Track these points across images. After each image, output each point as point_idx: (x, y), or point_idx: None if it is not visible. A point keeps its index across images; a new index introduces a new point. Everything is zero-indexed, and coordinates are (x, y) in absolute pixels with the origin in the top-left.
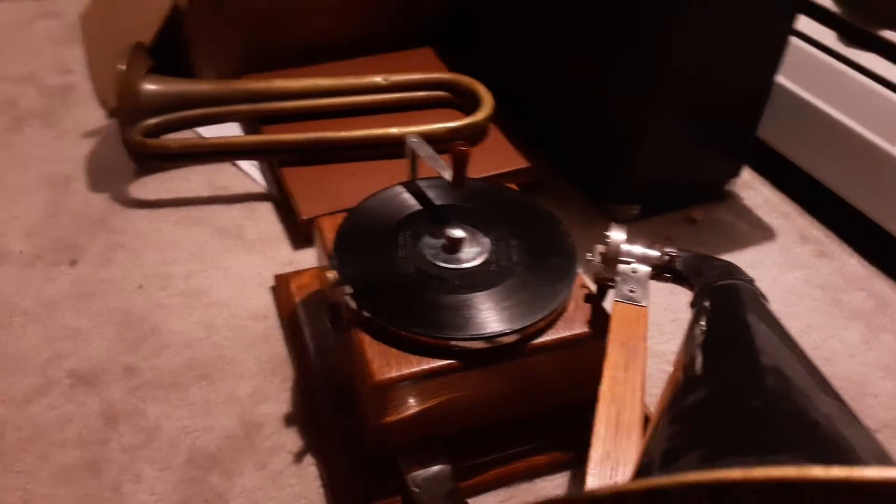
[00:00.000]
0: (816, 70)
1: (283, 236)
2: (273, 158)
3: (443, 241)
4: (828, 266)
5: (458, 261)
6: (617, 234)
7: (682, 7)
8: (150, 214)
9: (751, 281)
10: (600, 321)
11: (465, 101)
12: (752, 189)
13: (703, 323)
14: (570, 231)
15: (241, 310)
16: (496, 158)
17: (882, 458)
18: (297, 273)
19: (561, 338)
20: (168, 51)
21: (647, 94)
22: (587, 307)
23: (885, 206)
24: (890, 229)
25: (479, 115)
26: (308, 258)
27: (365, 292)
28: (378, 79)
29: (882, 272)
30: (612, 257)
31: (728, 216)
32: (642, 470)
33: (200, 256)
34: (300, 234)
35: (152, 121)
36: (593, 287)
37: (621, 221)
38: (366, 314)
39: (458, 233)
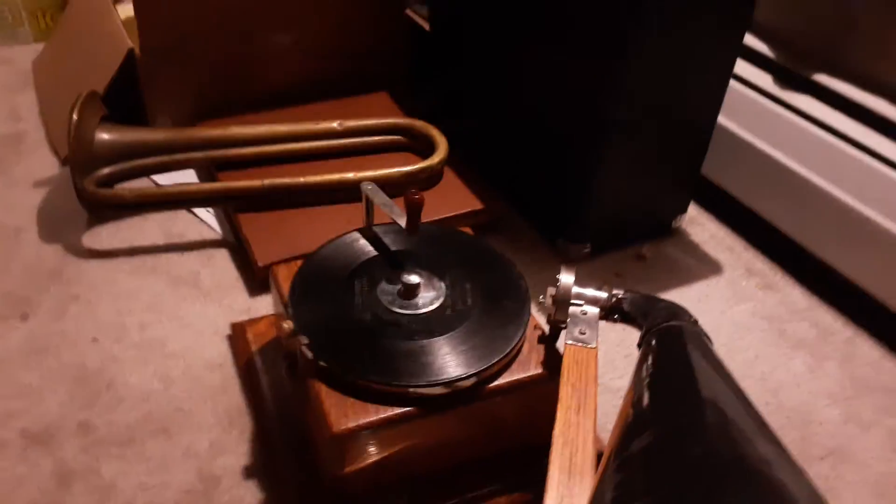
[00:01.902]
0: (754, 111)
1: (240, 283)
2: (229, 205)
3: (399, 286)
4: (772, 298)
5: (415, 306)
6: (566, 277)
7: (637, 44)
8: (105, 265)
9: (695, 322)
10: (554, 362)
11: (419, 145)
12: (699, 225)
13: (649, 363)
14: (523, 273)
15: (197, 360)
16: (451, 201)
17: (815, 500)
18: (253, 321)
19: (516, 380)
20: (122, 98)
21: (598, 133)
22: (541, 348)
23: (821, 239)
24: (827, 261)
25: (434, 160)
26: (265, 305)
27: (321, 341)
28: (334, 124)
29: (823, 302)
30: (563, 300)
31: (676, 252)
32: None
33: (156, 307)
34: (257, 280)
35: (106, 170)
36: (546, 328)
37: (574, 260)
38: (322, 364)
39: (413, 278)
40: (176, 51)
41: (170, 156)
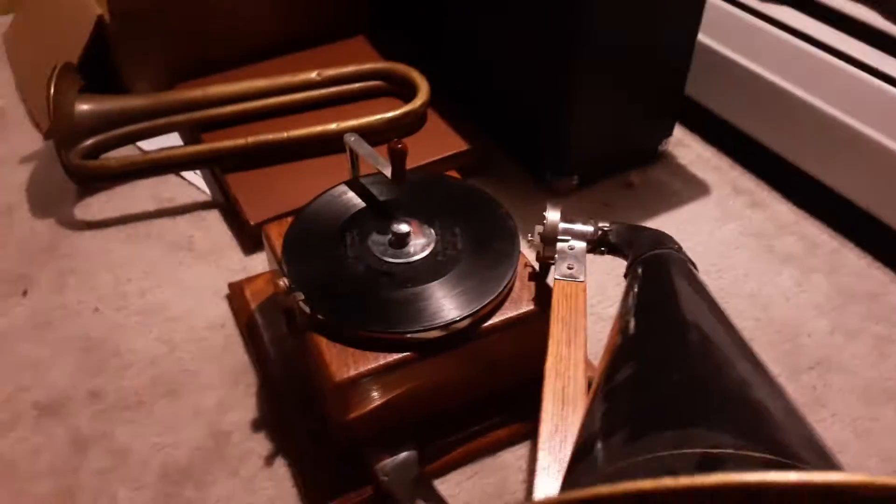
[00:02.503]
0: (734, 26)
1: (234, 243)
2: (216, 166)
3: (389, 236)
4: (760, 214)
5: (406, 255)
6: (552, 214)
7: None
8: (99, 235)
9: (679, 248)
10: (545, 298)
11: (401, 89)
12: (685, 147)
13: (635, 291)
14: (513, 211)
15: (199, 322)
16: (436, 144)
17: (790, 415)
18: (251, 279)
19: (510, 318)
20: (98, 66)
21: (572, 64)
22: (531, 285)
23: (805, 152)
24: (812, 173)
25: (416, 103)
26: (260, 262)
27: (317, 296)
28: (312, 75)
29: (809, 215)
30: (550, 237)
31: (663, 176)
32: (578, 452)
33: (153, 273)
34: (250, 239)
35: (89, 141)
36: (536, 265)
37: (562, 194)
38: (320, 317)
39: (403, 227)
40: (146, 13)
41: (152, 121)
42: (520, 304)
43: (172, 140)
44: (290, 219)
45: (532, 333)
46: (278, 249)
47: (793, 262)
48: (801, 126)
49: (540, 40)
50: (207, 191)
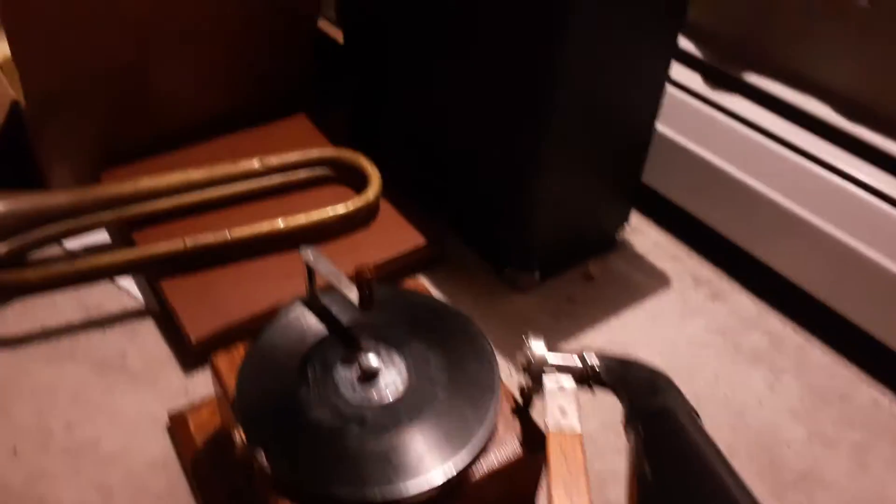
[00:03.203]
0: (686, 114)
1: (172, 360)
2: (150, 273)
3: (356, 371)
4: (722, 308)
5: (377, 393)
6: (538, 347)
7: (563, 61)
8: (16, 355)
9: (678, 394)
10: (533, 437)
11: (349, 176)
12: (642, 233)
13: (647, 458)
14: (476, 310)
15: (137, 461)
16: (392, 239)
17: None
18: (195, 409)
19: (497, 468)
20: (9, 155)
21: (533, 151)
22: (516, 423)
23: (760, 241)
24: (769, 263)
25: (369, 196)
26: (203, 383)
27: (279, 450)
28: (254, 163)
29: (771, 307)
30: (537, 372)
31: (623, 266)
32: None
33: (81, 400)
34: (191, 356)
35: (3, 248)
36: (517, 395)
37: (524, 289)
38: (282, 477)
39: (372, 362)
40: (65, 94)
41: (75, 220)
42: (506, 448)
43: (100, 236)
44: (240, 348)
45: (519, 475)
46: (230, 388)
47: (762, 362)
48: (756, 216)
49: (503, 120)
50: (140, 297)
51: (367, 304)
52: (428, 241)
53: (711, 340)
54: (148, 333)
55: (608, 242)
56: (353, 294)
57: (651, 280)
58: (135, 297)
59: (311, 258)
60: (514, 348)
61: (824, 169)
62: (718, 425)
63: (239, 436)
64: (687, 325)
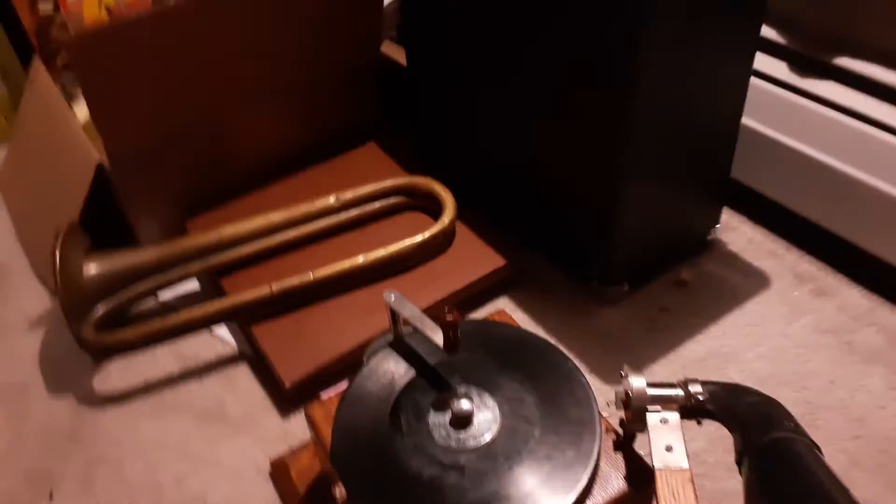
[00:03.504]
0: (774, 104)
1: (268, 404)
2: (241, 320)
3: (449, 414)
4: (830, 305)
5: (472, 437)
6: (637, 382)
7: (645, 63)
8: (122, 411)
9: (796, 426)
10: (637, 471)
11: (424, 202)
12: (733, 230)
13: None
14: (565, 328)
15: None
16: (470, 262)
17: None
18: (294, 455)
19: None
20: (100, 213)
21: (617, 157)
22: (619, 458)
23: (864, 230)
24: (877, 253)
25: (444, 221)
26: (300, 427)
27: None
28: (330, 200)
29: (884, 300)
30: (639, 409)
31: (717, 268)
32: None
33: (187, 452)
34: (286, 399)
35: (101, 310)
36: (619, 429)
37: (613, 302)
38: None
39: (465, 406)
40: (146, 154)
41: (166, 273)
42: (609, 486)
43: (190, 285)
44: (333, 397)
45: None
46: (327, 441)
47: (879, 360)
48: (855, 203)
49: (584, 130)
50: (234, 342)
51: (453, 348)
52: (507, 261)
53: (821, 341)
54: (243, 378)
55: (699, 244)
56: (438, 337)
57: (749, 280)
58: (229, 344)
59: (394, 302)
60: (610, 368)
61: None
62: (838, 435)
63: (340, 492)
64: (793, 326)
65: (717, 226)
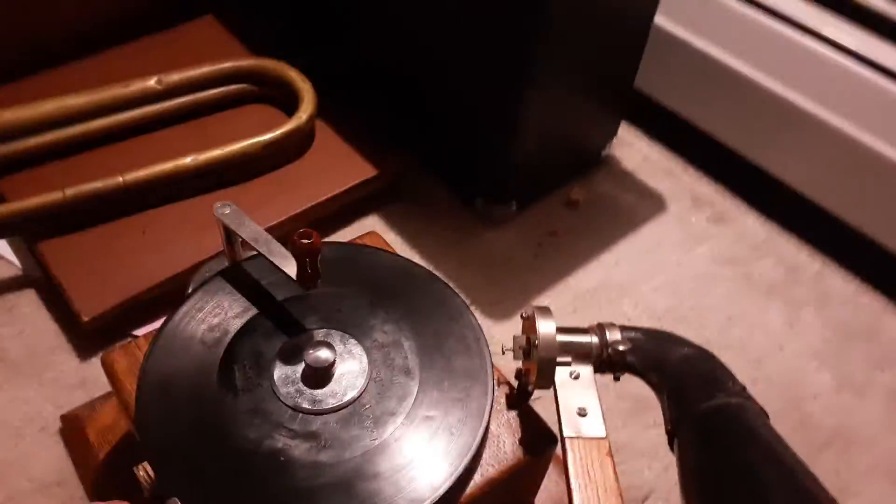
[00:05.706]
0: (692, 4)
1: (62, 342)
2: (24, 234)
3: (302, 367)
4: (728, 233)
5: (332, 396)
6: (546, 326)
7: None
8: None
9: (742, 389)
10: (536, 435)
11: (274, 92)
12: (629, 146)
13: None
14: (448, 253)
15: (22, 479)
16: (333, 171)
17: None
18: (93, 409)
19: (493, 477)
20: None
21: (522, 53)
22: (513, 419)
23: (769, 150)
24: (779, 176)
25: (302, 117)
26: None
27: (202, 493)
28: (151, 82)
29: (782, 229)
30: (549, 362)
31: (610, 188)
32: None
33: None
34: (86, 337)
35: None
36: (512, 380)
37: (499, 223)
38: None
39: (323, 355)
40: None
41: None
42: (503, 455)
43: None
44: (143, 340)
45: (521, 480)
46: (129, 396)
47: (777, 295)
48: (763, 118)
49: (479, 35)
50: (17, 262)
51: (309, 280)
52: (379, 172)
53: (719, 272)
54: (29, 308)
55: (592, 160)
56: (289, 265)
57: (644, 202)
58: (10, 262)
59: (229, 217)
60: (494, 300)
61: (851, 58)
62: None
63: (146, 475)
64: (689, 255)
65: (613, 140)
